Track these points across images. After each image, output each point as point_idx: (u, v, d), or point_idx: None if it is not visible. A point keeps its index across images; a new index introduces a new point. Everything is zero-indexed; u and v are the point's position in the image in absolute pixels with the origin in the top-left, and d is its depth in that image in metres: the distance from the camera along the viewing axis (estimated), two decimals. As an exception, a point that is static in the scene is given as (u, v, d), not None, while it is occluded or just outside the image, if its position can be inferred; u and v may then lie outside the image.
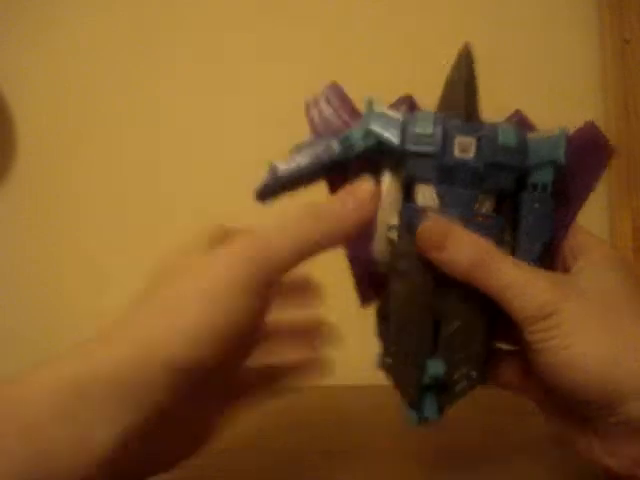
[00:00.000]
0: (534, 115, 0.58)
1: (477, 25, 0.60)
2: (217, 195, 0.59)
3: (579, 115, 0.59)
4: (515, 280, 0.29)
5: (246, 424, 0.33)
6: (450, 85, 0.32)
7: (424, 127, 0.30)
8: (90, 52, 0.60)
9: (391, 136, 0.30)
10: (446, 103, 0.32)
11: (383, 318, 0.32)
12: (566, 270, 0.32)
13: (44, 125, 0.60)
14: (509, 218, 0.32)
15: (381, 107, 0.31)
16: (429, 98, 0.32)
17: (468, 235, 0.29)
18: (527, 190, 0.31)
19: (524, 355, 0.31)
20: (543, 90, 0.59)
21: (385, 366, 0.32)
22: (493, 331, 0.31)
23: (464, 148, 0.29)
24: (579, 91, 0.59)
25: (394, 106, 0.33)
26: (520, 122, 0.33)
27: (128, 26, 0.61)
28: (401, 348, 0.31)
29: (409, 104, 0.33)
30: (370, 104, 0.31)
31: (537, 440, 0.38)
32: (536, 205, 0.31)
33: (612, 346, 0.28)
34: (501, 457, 0.38)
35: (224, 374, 0.28)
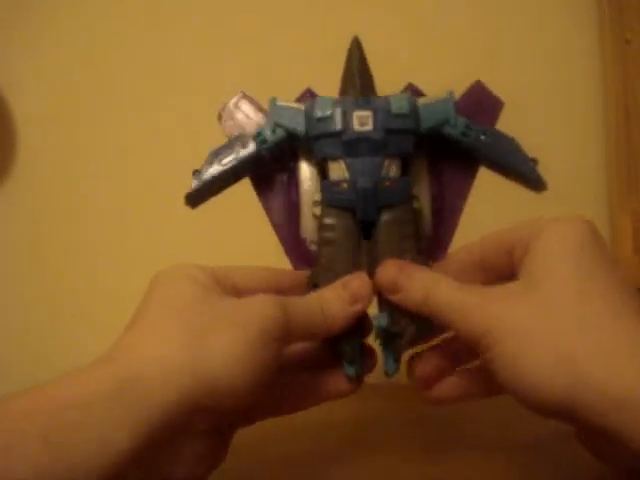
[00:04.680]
0: (535, 114, 0.59)
1: (477, 25, 0.60)
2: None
3: (579, 115, 0.59)
4: (452, 305, 0.30)
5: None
6: (345, 75, 0.35)
7: (324, 110, 0.33)
8: (90, 52, 0.60)
9: (297, 125, 0.34)
10: (344, 90, 0.35)
11: (314, 286, 0.34)
12: (519, 259, 0.30)
13: (44, 125, 0.60)
14: (422, 173, 0.36)
15: (284, 103, 0.35)
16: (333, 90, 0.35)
17: (415, 272, 0.32)
18: (461, 141, 0.34)
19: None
20: (543, 90, 0.59)
21: None
22: None
23: (362, 121, 0.33)
24: (579, 91, 0.59)
25: (298, 100, 0.36)
26: (414, 93, 0.36)
27: (129, 26, 0.61)
28: None
29: (311, 96, 0.36)
30: (274, 101, 0.35)
31: (544, 436, 0.38)
32: (482, 137, 0.35)
33: (549, 361, 0.26)
34: (509, 453, 0.38)
35: (246, 400, 0.29)
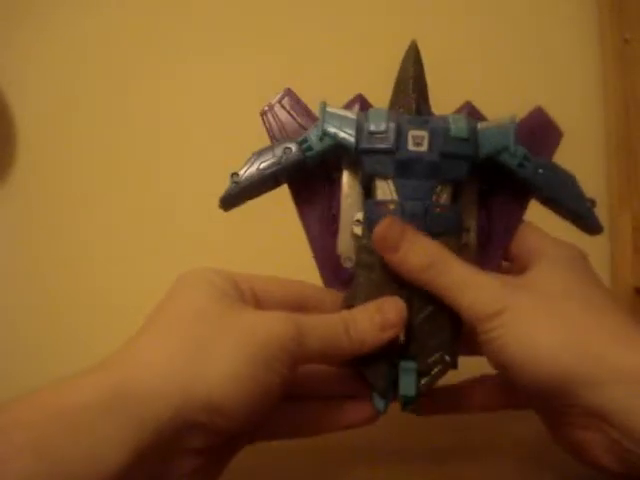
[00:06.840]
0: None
1: (476, 25, 0.60)
2: (215, 194, 0.59)
3: (579, 114, 0.59)
4: (464, 279, 0.30)
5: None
6: (399, 82, 0.33)
7: (377, 124, 0.31)
8: (90, 52, 0.60)
9: (347, 136, 0.31)
10: (397, 100, 0.33)
11: (349, 308, 0.32)
12: (521, 271, 0.32)
13: (44, 125, 0.60)
14: (471, 203, 0.33)
15: (335, 109, 0.32)
16: (383, 97, 0.34)
17: (420, 238, 0.31)
18: (517, 172, 0.32)
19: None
20: (543, 90, 0.59)
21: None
22: (460, 318, 0.32)
23: (418, 141, 0.31)
24: (579, 91, 0.59)
25: (347, 106, 0.34)
26: (470, 113, 0.34)
27: (129, 25, 0.61)
28: None
29: (361, 103, 0.34)
30: (324, 106, 0.32)
31: (542, 439, 0.38)
32: (540, 171, 0.32)
33: (561, 337, 0.28)
34: (506, 456, 0.38)
35: (243, 421, 0.28)
